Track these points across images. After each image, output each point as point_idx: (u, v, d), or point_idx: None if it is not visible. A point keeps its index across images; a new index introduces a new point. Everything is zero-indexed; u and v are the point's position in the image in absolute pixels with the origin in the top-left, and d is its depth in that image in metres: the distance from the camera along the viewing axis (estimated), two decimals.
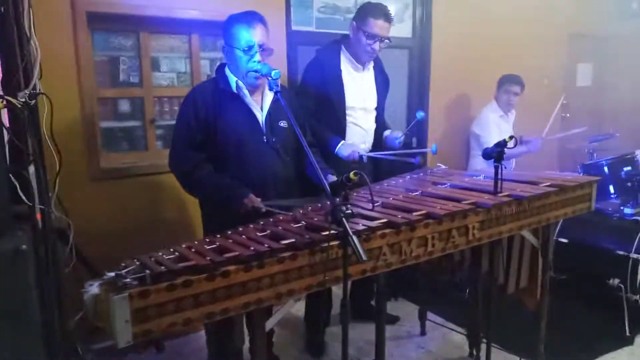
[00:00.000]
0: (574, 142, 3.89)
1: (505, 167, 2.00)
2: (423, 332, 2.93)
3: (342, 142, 2.49)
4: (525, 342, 2.48)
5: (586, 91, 5.63)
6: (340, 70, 2.56)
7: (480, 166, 3.30)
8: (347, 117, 2.57)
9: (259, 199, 1.91)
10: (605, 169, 3.28)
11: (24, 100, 1.86)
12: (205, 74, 2.99)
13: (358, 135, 2.63)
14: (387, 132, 2.74)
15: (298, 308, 3.21)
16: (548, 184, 2.14)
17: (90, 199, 2.58)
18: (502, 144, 1.96)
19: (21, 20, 1.82)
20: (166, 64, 2.86)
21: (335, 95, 2.52)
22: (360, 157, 2.40)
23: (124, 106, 2.77)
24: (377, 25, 2.47)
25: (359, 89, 2.61)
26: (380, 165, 2.68)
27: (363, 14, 2.51)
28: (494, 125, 3.64)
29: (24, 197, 1.87)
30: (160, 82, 2.86)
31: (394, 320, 3.05)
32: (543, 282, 2.35)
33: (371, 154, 2.47)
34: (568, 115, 5.50)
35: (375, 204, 1.85)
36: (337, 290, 2.36)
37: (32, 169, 1.87)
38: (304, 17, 3.31)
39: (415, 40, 3.93)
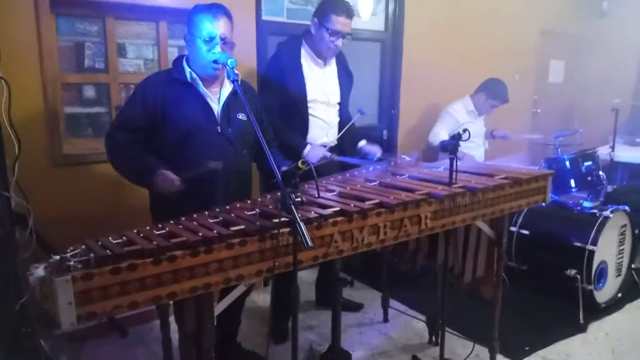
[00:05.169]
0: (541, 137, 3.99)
1: (460, 159, 2.05)
2: (386, 319, 2.99)
3: (308, 145, 2.52)
4: (482, 329, 2.56)
5: (558, 88, 5.76)
6: (301, 64, 2.56)
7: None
8: (309, 110, 2.58)
9: (173, 175, 1.85)
10: (567, 163, 3.36)
11: None
12: None
13: (320, 128, 2.65)
14: (362, 143, 2.75)
15: (264, 297, 3.27)
16: (503, 176, 2.20)
17: (52, 185, 2.56)
18: (456, 137, 2.01)
19: None
20: (133, 51, 2.84)
21: (297, 88, 2.53)
22: (331, 156, 2.45)
23: (89, 92, 2.75)
24: (339, 22, 2.47)
25: (320, 83, 2.62)
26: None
27: (325, 10, 2.50)
28: (450, 118, 3.64)
29: None
30: (126, 69, 2.84)
31: (357, 307, 3.12)
32: (498, 271, 2.42)
33: (340, 158, 2.49)
34: (539, 110, 5.63)
35: (332, 193, 1.90)
36: (303, 276, 2.45)
37: None
38: (275, 7, 3.31)
39: (388, 34, 3.96)
